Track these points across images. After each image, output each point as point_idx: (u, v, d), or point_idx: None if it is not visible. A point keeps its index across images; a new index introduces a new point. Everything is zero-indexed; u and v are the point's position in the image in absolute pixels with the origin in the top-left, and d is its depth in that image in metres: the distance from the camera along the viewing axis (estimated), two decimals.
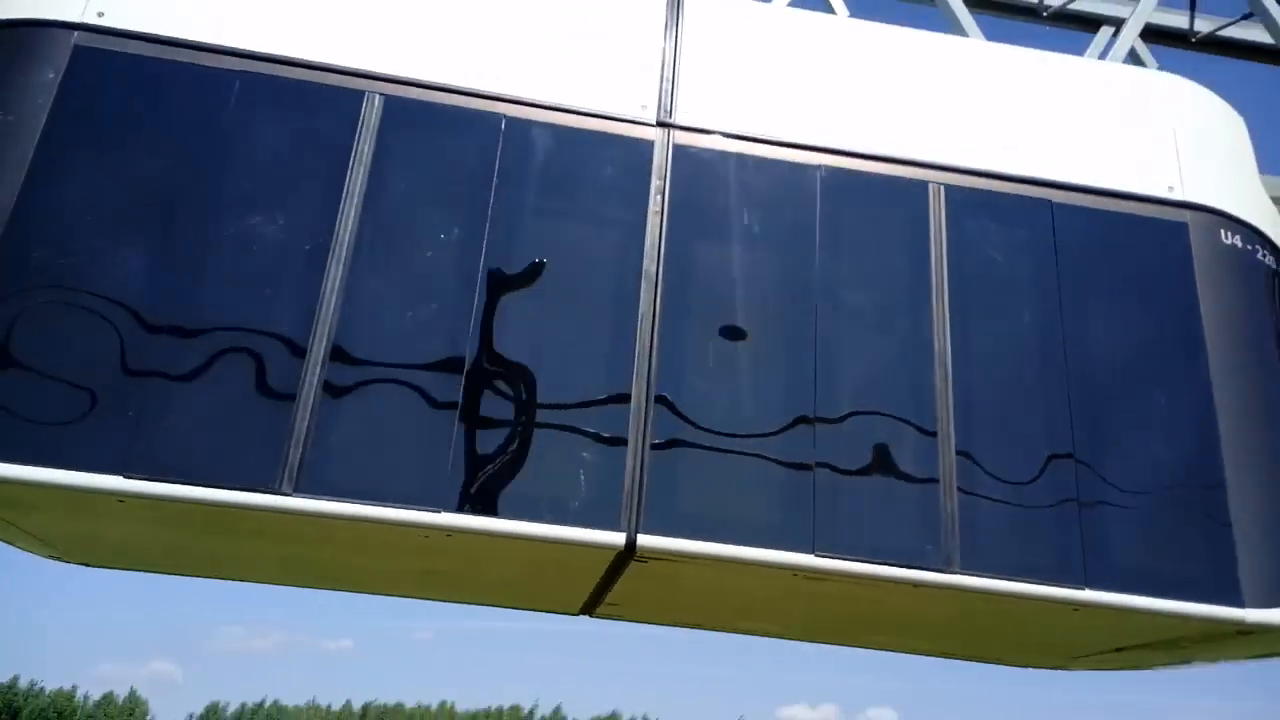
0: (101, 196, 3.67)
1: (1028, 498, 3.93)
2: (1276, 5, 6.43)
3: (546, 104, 4.11)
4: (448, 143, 4.04)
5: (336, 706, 58.41)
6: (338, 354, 3.54)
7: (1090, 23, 7.28)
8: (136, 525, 3.80)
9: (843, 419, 3.91)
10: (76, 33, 3.80)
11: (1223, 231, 4.57)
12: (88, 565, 4.62)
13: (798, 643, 5.21)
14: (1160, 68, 6.67)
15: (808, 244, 4.14)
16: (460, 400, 3.57)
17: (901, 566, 3.68)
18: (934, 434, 3.91)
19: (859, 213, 4.30)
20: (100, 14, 3.85)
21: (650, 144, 4.16)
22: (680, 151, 4.18)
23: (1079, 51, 6.87)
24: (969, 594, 3.76)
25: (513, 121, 4.05)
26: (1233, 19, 7.23)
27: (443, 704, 58.16)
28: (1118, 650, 4.74)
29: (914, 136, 4.41)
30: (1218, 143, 4.85)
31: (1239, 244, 4.59)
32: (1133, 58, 6.75)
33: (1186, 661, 4.84)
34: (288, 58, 3.94)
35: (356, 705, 58.27)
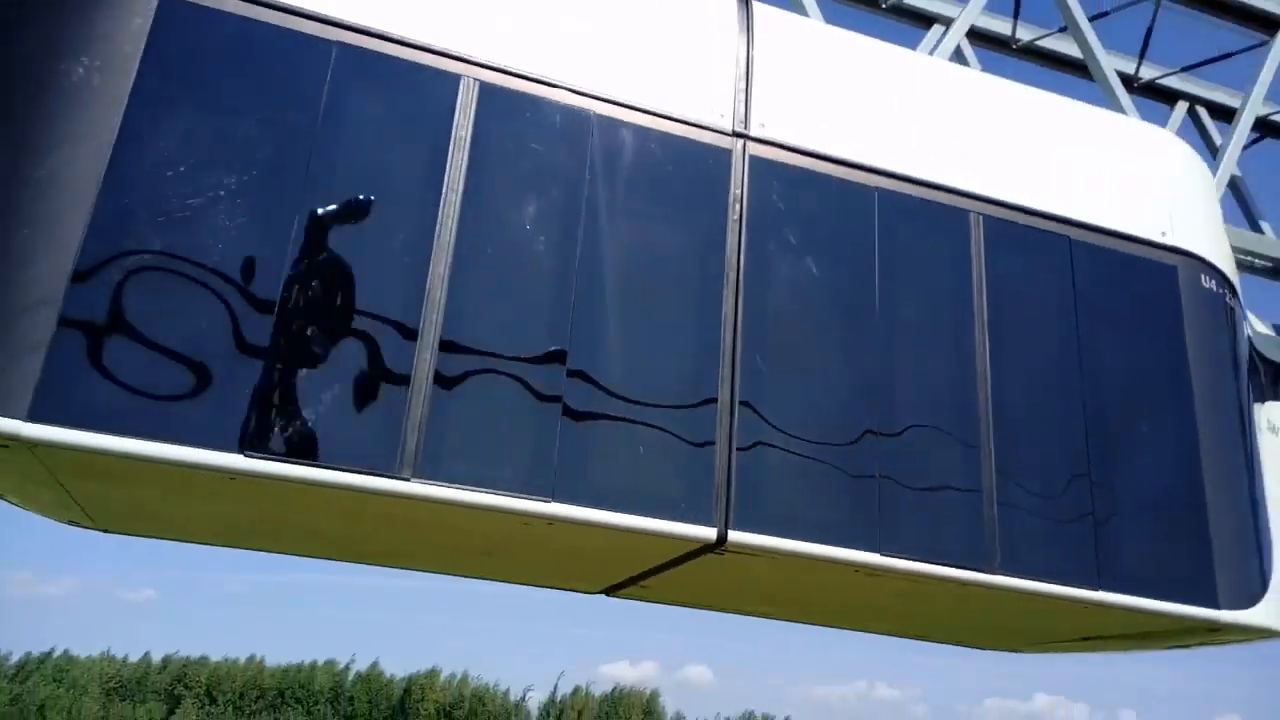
0: (196, 162, 3.42)
1: (1052, 509, 4.36)
2: (1089, 23, 7.02)
3: (633, 105, 4.12)
4: (541, 134, 3.99)
5: (134, 658, 54.70)
6: (446, 343, 3.51)
7: (923, 19, 7.68)
8: (223, 502, 3.71)
9: (901, 431, 4.18)
10: None
11: (1203, 276, 5.09)
12: (107, 531, 4.36)
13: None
14: (982, 69, 7.18)
15: (867, 261, 4.32)
16: (563, 395, 3.62)
17: (951, 566, 4.03)
18: (977, 447, 4.25)
19: (911, 234, 4.51)
20: None
21: (728, 152, 4.25)
22: (755, 161, 4.28)
23: (911, 44, 7.29)
24: (1006, 593, 4.16)
25: (602, 120, 4.05)
26: (1050, 31, 7.84)
27: (251, 658, 55.71)
28: (1085, 639, 5.35)
29: (959, 168, 4.65)
30: (1198, 194, 5.35)
31: (1214, 288, 5.13)
32: (958, 56, 7.19)
33: (1144, 649, 5.53)
34: (387, 33, 3.77)
35: (157, 657, 54.83)
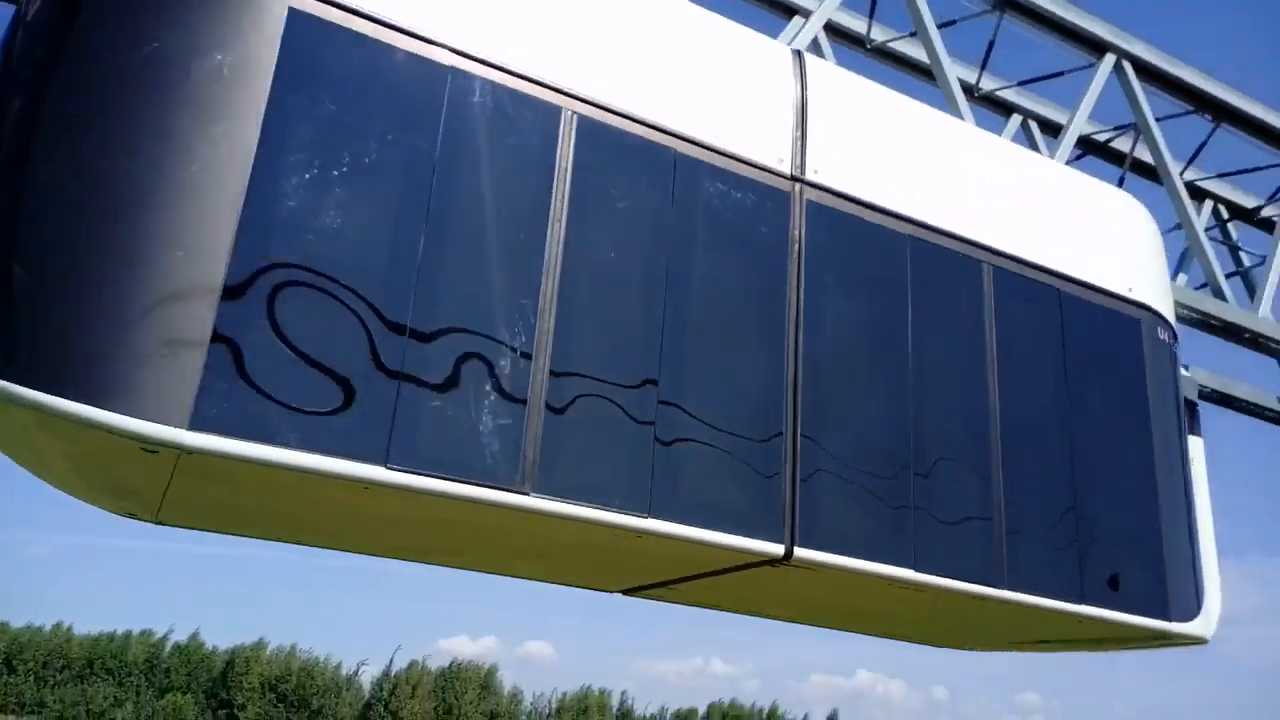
0: (327, 177, 3.54)
1: (1048, 534, 5.02)
2: (937, 31, 7.27)
3: (708, 145, 4.41)
4: (629, 170, 4.26)
5: None
6: (555, 369, 3.76)
7: (784, 9, 7.75)
8: (317, 505, 3.89)
9: (931, 460, 4.66)
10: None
11: (1158, 329, 5.80)
12: (161, 524, 4.31)
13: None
14: (838, 63, 7.33)
15: (901, 304, 4.78)
16: (655, 420, 3.93)
17: (969, 581, 4.59)
18: (989, 477, 4.80)
19: (936, 280, 4.96)
20: None
21: (786, 195, 4.61)
22: (810, 205, 4.66)
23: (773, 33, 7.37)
24: (1011, 606, 4.76)
25: (681, 158, 4.33)
26: (902, 35, 8.08)
27: (58, 625, 51.85)
28: (1041, 641, 6.07)
29: (974, 222, 5.14)
30: (1155, 254, 6.02)
31: (1166, 339, 5.87)
32: (814, 48, 7.32)
33: (1094, 651, 6.24)
34: (494, 62, 3.96)
35: None
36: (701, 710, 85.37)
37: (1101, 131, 9.01)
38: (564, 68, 4.12)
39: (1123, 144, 8.97)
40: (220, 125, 3.39)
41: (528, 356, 3.70)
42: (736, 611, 6.39)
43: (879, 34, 8.13)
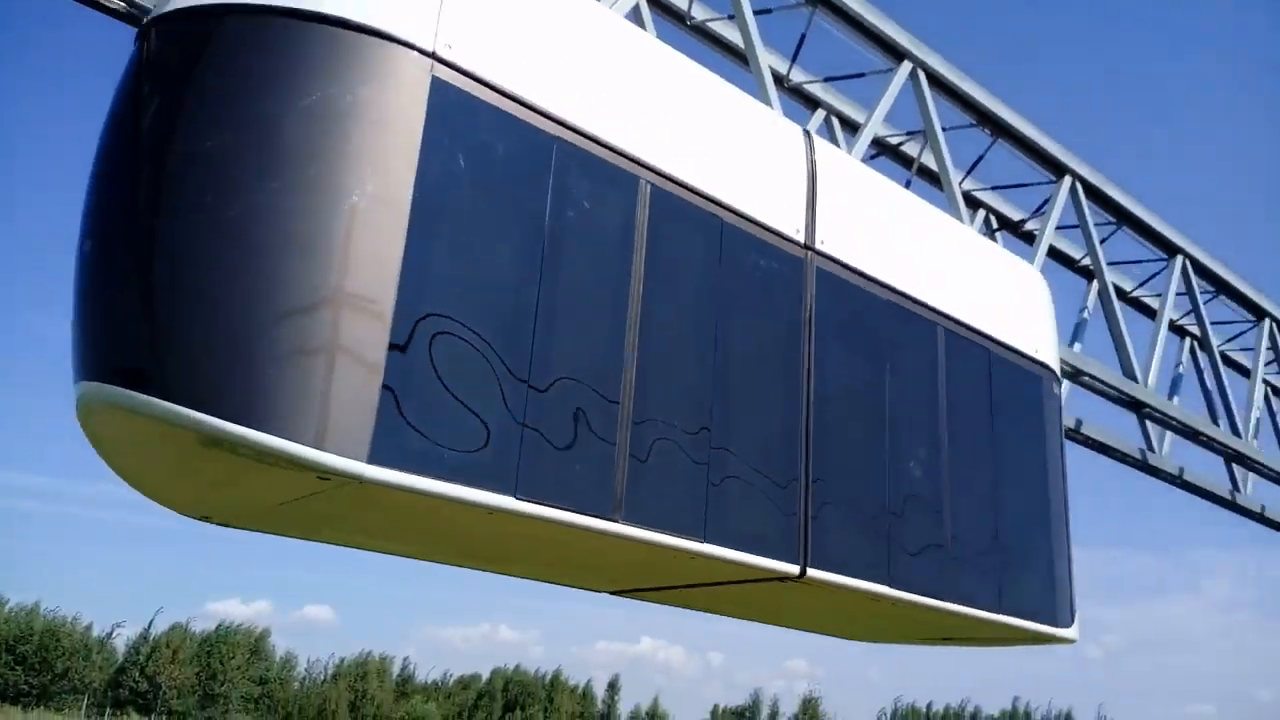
0: (464, 239, 4.09)
1: (969, 552, 6.15)
2: (754, 17, 7.40)
3: (744, 214, 5.14)
4: (688, 237, 4.92)
5: None
6: (636, 415, 4.43)
7: None
8: (446, 525, 4.43)
9: (903, 494, 5.73)
10: (433, 62, 4.03)
11: (1054, 385, 7.15)
12: (227, 526, 4.66)
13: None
14: (658, 35, 7.31)
15: (882, 363, 5.82)
16: (709, 463, 4.70)
17: (918, 594, 5.63)
18: (940, 504, 6.00)
19: (903, 342, 6.04)
20: (449, 46, 4.09)
21: (801, 260, 5.42)
22: (819, 271, 5.49)
23: None
24: (939, 612, 5.85)
25: (728, 228, 5.05)
26: (720, 16, 8.16)
27: None
28: (945, 639, 7.20)
29: (931, 289, 6.16)
30: (1052, 321, 7.32)
31: (1058, 393, 7.29)
32: (634, 16, 7.25)
33: (987, 646, 7.53)
34: (587, 131, 4.50)
35: None
36: (485, 676, 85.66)
37: (895, 135, 9.54)
38: (640, 142, 4.74)
39: (913, 149, 9.55)
40: (379, 184, 3.81)
41: (615, 403, 4.36)
42: (714, 613, 7.43)
43: (699, 12, 8.19)
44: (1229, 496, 13.07)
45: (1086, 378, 9.97)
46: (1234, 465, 13.06)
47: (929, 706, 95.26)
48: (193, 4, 3.96)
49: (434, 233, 3.93)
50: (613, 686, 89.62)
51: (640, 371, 4.48)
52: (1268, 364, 13.72)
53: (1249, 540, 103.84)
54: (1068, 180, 9.87)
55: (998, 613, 6.36)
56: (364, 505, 4.05)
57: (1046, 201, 10.09)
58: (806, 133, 5.90)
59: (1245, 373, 14.02)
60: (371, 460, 3.55)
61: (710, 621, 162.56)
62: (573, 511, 4.16)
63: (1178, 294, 11.71)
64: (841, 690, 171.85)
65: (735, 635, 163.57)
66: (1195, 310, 12.07)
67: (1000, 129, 9.31)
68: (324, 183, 3.78)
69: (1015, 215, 10.92)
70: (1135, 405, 10.56)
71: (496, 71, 4.25)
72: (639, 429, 4.45)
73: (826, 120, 9.07)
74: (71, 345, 3.76)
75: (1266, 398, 14.41)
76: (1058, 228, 10.32)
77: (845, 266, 5.67)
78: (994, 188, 10.67)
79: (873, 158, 9.21)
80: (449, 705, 79.35)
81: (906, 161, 9.62)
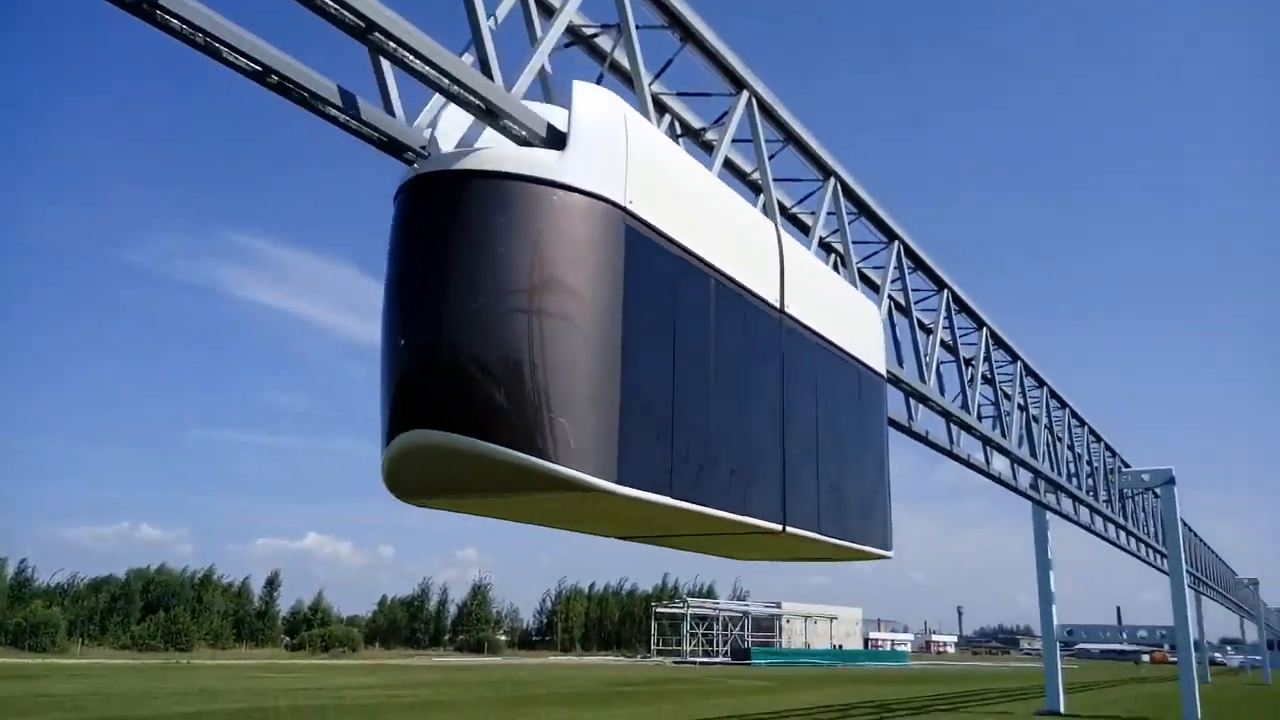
0: (656, 349, 6.63)
1: (836, 501, 9.20)
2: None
3: (751, 291, 7.94)
4: (735, 321, 7.81)
5: None
6: (732, 457, 7.64)
7: None
8: (633, 514, 7.16)
9: (813, 487, 8.80)
10: (625, 216, 6.29)
11: (884, 384, 10.63)
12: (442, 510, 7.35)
13: None
14: None
15: (811, 384, 9.02)
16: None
17: (814, 531, 8.72)
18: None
19: (830, 371, 9.48)
20: (631, 201, 6.33)
21: (779, 320, 8.31)
22: (787, 329, 8.45)
23: None
24: (822, 543, 8.91)
25: (746, 303, 7.91)
26: None
27: None
28: (799, 559, 10.85)
29: (835, 331, 9.46)
30: (881, 338, 10.95)
31: (885, 388, 10.96)
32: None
33: (827, 560, 10.67)
34: (704, 258, 7.28)
35: None
36: (121, 578, 78.15)
37: (589, 26, 9.37)
38: (737, 267, 7.74)
39: (606, 43, 9.44)
40: (603, 297, 6.06)
41: (720, 451, 7.37)
42: (698, 552, 10.23)
43: None
44: None
45: None
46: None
47: (591, 586, 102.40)
48: (465, 167, 6.13)
49: (635, 331, 6.23)
50: (271, 583, 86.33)
51: (727, 424, 7.41)
52: (894, 281, 15.69)
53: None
54: (745, 95, 10.32)
55: (852, 542, 9.54)
56: (601, 504, 6.38)
57: (726, 114, 10.52)
58: (777, 226, 9.13)
59: (876, 288, 15.96)
60: (620, 481, 6.00)
61: (381, 514, 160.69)
62: (731, 511, 7.42)
63: (828, 213, 12.90)
64: (513, 575, 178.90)
65: (406, 528, 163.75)
66: (841, 229, 13.40)
67: (689, 35, 9.47)
68: (570, 293, 5.93)
69: (698, 124, 11.30)
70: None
71: (655, 217, 6.59)
72: (739, 468, 7.55)
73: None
74: (388, 409, 5.99)
75: (890, 310, 16.52)
76: (734, 140, 10.84)
77: (799, 323, 8.73)
78: (680, 94, 10.92)
79: (566, 45, 9.00)
80: (77, 610, 71.94)
81: (600, 55, 9.52)
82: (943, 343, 18.46)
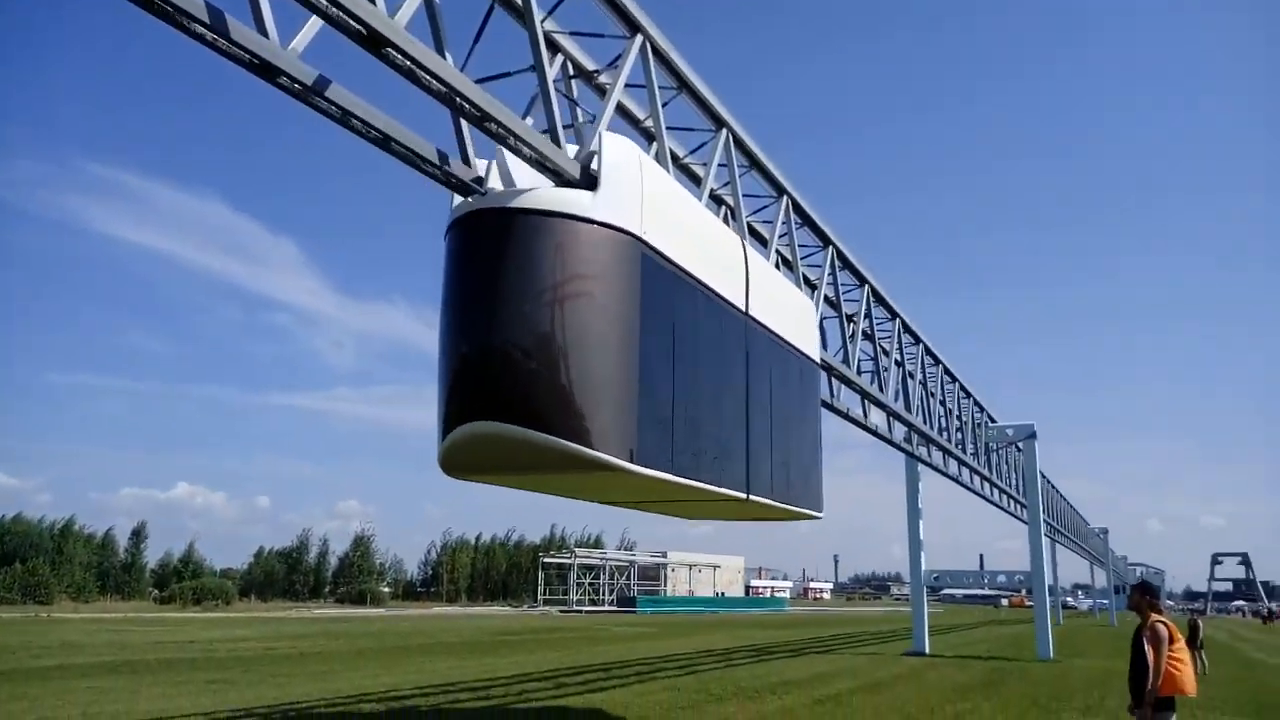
0: (663, 354, 8.55)
1: (778, 470, 11.30)
2: None
3: (729, 301, 10.29)
4: (719, 322, 10.08)
5: None
6: (720, 443, 9.95)
7: None
8: (645, 491, 9.77)
9: (768, 461, 11.04)
10: (641, 245, 8.14)
11: (820, 372, 13.84)
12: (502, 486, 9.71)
13: None
14: None
15: (765, 373, 11.21)
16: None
17: (769, 498, 11.01)
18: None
19: (785, 363, 11.90)
20: (645, 232, 8.22)
21: (744, 321, 10.61)
22: (751, 326, 10.74)
23: None
24: (769, 506, 11.17)
25: (732, 309, 10.39)
26: None
27: None
28: (751, 519, 13.24)
29: (787, 330, 11.85)
30: (817, 330, 13.77)
31: (821, 374, 14.11)
32: None
33: (767, 521, 13.11)
34: (702, 280, 9.45)
35: None
36: None
37: None
38: (725, 285, 10.02)
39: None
40: (624, 310, 7.99)
41: (707, 437, 9.48)
42: (679, 516, 13.30)
43: None
44: None
45: None
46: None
47: (477, 537, 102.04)
48: (495, 204, 7.86)
49: (648, 338, 8.13)
50: (138, 534, 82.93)
51: (709, 413, 9.52)
52: (781, 236, 15.87)
53: None
54: (639, 39, 10.13)
55: (795, 505, 11.84)
56: (617, 480, 8.32)
57: (620, 57, 10.31)
58: (745, 253, 11.13)
59: (765, 242, 16.11)
60: (635, 460, 7.87)
61: (255, 464, 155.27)
62: (696, 480, 9.17)
63: (720, 165, 12.88)
64: (397, 527, 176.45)
65: (283, 478, 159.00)
66: (732, 181, 13.42)
67: None
68: (596, 307, 7.70)
69: (591, 65, 11.04)
70: None
71: (662, 243, 8.49)
72: (717, 448, 9.64)
73: None
74: (445, 405, 7.64)
75: (776, 265, 16.74)
76: (627, 85, 10.65)
77: (759, 322, 11.10)
78: (573, 34, 10.64)
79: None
80: None
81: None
82: (827, 298, 18.88)
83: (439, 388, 7.82)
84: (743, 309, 10.49)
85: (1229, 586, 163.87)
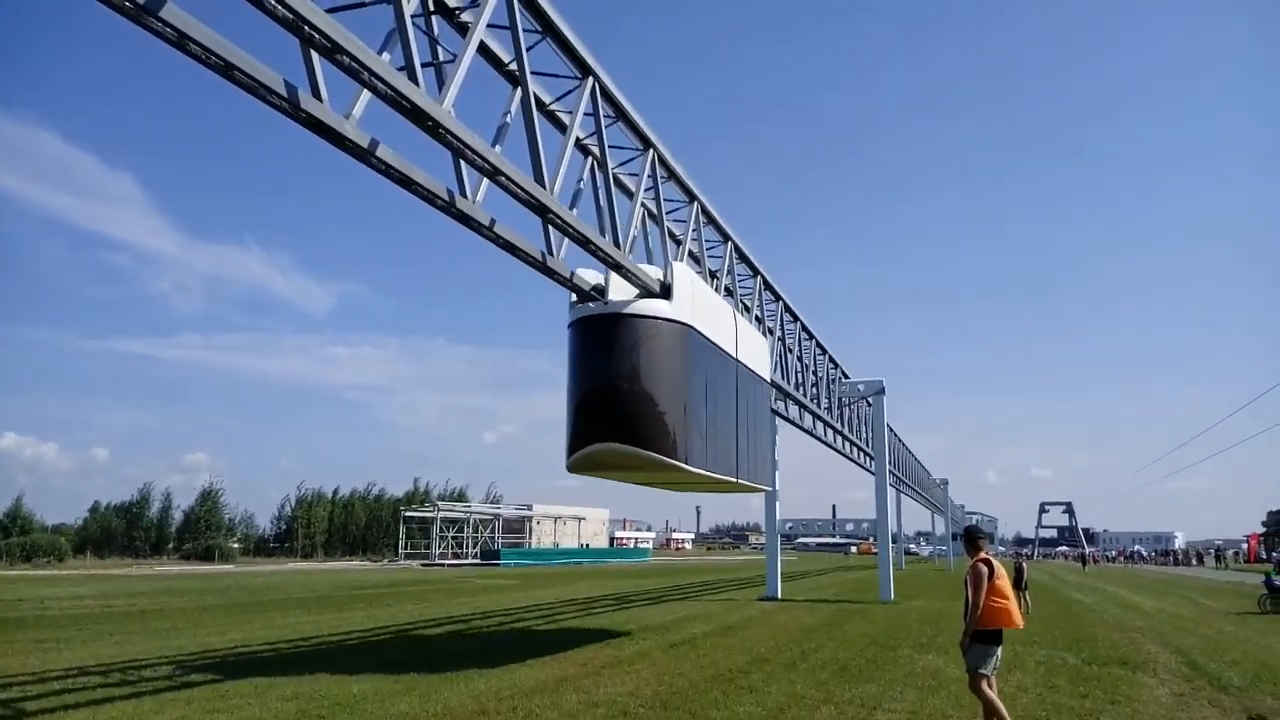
0: (698, 390, 15.67)
1: (753, 460, 19.59)
2: None
3: (715, 342, 17.12)
4: (721, 373, 17.42)
5: None
6: (738, 445, 18.62)
7: None
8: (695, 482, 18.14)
9: (747, 453, 18.99)
10: (692, 329, 15.34)
11: (769, 387, 22.56)
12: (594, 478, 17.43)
13: None
14: None
15: (744, 397, 19.00)
16: (725, 448, 17.75)
17: (738, 477, 18.50)
18: (736, 433, 18.43)
19: (751, 386, 19.74)
20: (694, 321, 15.42)
21: (735, 363, 18.46)
22: (739, 367, 18.74)
23: None
24: (732, 483, 18.61)
25: (719, 349, 17.55)
26: None
27: None
28: (729, 491, 20.82)
29: (753, 362, 19.87)
30: (768, 355, 22.10)
31: (770, 389, 23.08)
32: None
33: (725, 492, 21.25)
34: (720, 345, 17.30)
35: None
36: None
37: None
38: (729, 344, 17.88)
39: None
40: (678, 369, 14.90)
41: (729, 436, 17.79)
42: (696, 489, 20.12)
43: None
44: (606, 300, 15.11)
45: (503, 178, 10.43)
46: (613, 273, 15.09)
47: (335, 491, 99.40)
48: (610, 310, 14.40)
49: (692, 382, 15.14)
50: None
51: (721, 427, 17.08)
52: (647, 190, 15.91)
53: None
54: None
55: (758, 483, 19.88)
56: (675, 474, 15.40)
57: None
58: (735, 315, 18.59)
59: (630, 194, 16.11)
60: (686, 461, 14.77)
61: (91, 413, 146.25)
62: (718, 474, 16.78)
63: (585, 114, 12.74)
64: (249, 481, 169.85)
65: (122, 429, 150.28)
66: (598, 132, 13.32)
67: None
68: (668, 369, 14.59)
69: (453, 3, 10.67)
70: (542, 209, 11.40)
71: (701, 326, 15.77)
72: (723, 448, 17.16)
73: None
74: (574, 430, 14.52)
75: (644, 219, 16.81)
76: (489, 25, 10.35)
77: (741, 362, 18.37)
78: None
79: None
80: None
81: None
82: (691, 254, 19.12)
83: (571, 417, 14.56)
84: (734, 355, 18.18)
85: (1055, 533, 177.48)
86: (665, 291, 14.85)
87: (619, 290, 14.68)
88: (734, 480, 17.81)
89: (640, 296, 14.61)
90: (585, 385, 14.37)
